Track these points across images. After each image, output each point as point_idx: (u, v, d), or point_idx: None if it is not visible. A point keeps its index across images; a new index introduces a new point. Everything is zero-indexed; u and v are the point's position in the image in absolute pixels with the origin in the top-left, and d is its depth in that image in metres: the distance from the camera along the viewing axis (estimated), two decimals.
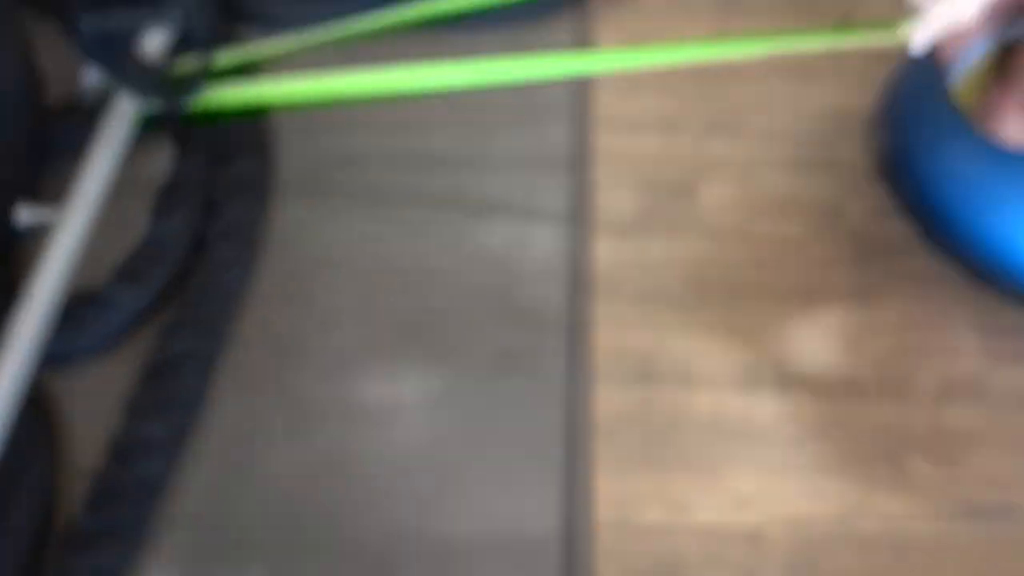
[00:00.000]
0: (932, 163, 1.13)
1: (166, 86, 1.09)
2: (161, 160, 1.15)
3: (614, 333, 1.06)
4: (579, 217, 1.15)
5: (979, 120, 1.05)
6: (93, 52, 1.00)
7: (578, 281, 1.09)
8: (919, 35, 0.91)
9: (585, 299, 1.07)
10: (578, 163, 1.20)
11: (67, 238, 0.96)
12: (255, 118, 1.18)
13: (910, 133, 1.16)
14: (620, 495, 0.93)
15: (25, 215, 0.99)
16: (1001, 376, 1.02)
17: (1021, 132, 1.01)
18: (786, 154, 1.22)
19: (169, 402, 0.94)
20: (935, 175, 1.12)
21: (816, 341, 1.05)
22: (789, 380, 1.02)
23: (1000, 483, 0.94)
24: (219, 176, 1.10)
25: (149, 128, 1.11)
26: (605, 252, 1.13)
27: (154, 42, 1.09)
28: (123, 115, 1.04)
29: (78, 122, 1.08)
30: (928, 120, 1.15)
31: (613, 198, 1.17)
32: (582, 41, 1.33)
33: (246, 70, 1.15)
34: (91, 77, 1.09)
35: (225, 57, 1.12)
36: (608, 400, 1.00)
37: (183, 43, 1.10)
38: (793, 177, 1.19)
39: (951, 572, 0.87)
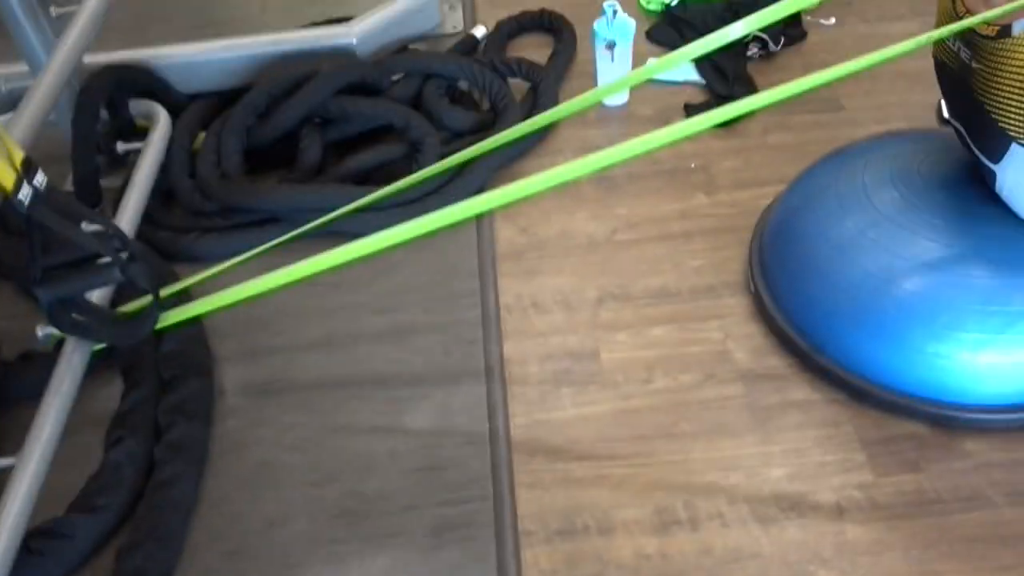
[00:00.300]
0: (799, 303, 1.28)
1: (116, 329, 1.22)
2: (111, 392, 1.27)
3: (535, 494, 1.15)
4: (495, 390, 1.27)
5: None
6: (52, 317, 1.13)
7: (497, 449, 1.19)
8: None
9: (506, 466, 1.17)
10: (489, 342, 1.33)
11: (26, 479, 1.05)
12: (195, 338, 1.31)
13: (779, 280, 1.32)
14: None
15: None
16: (888, 483, 1.12)
17: None
18: (674, 310, 1.36)
19: None
20: (803, 312, 1.27)
21: (721, 475, 1.15)
22: (700, 516, 1.11)
23: None
24: (164, 401, 1.22)
25: (98, 357, 1.23)
26: (521, 418, 1.24)
27: (102, 294, 1.24)
28: (74, 363, 1.16)
29: (33, 372, 1.20)
30: (792, 267, 1.31)
31: (524, 370, 1.30)
32: (487, 243, 1.50)
33: (181, 297, 1.30)
34: (44, 330, 1.22)
35: (163, 291, 1.26)
36: (536, 558, 1.08)
37: (128, 288, 1.25)
38: (682, 331, 1.33)
39: None
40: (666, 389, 1.26)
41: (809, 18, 1.94)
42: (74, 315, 1.14)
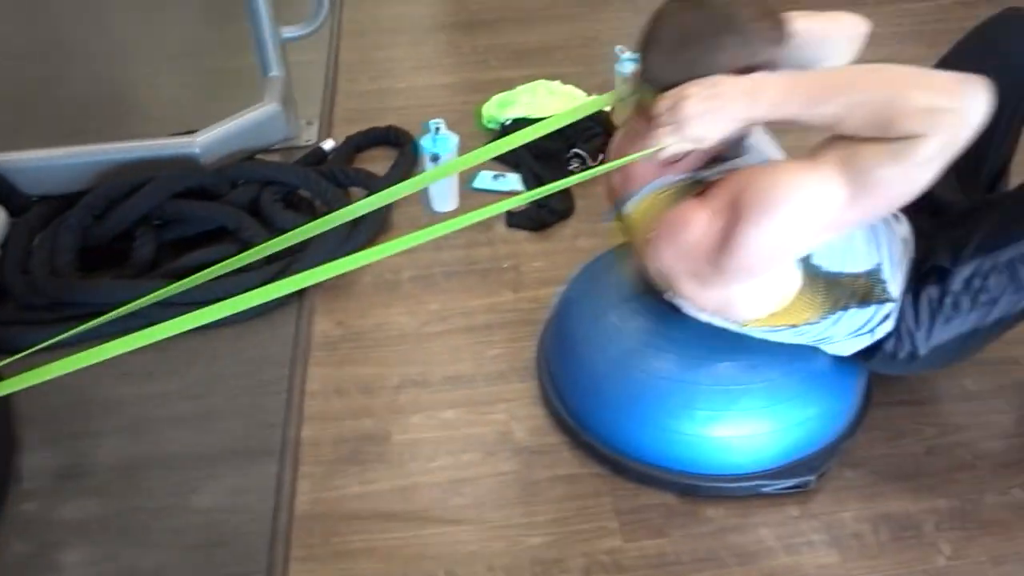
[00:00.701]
0: (569, 386, 1.40)
1: None
2: None
3: (308, 566, 1.21)
4: (285, 470, 1.34)
5: (638, 250, 1.25)
6: None
7: (278, 525, 1.25)
8: (672, 147, 1.09)
9: (283, 541, 1.24)
10: (289, 426, 1.41)
11: None
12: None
13: (556, 366, 1.44)
14: None
15: None
16: (634, 548, 1.22)
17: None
18: (467, 395, 1.47)
19: None
20: (572, 395, 1.39)
21: (484, 544, 1.23)
22: None
23: None
24: None
25: None
26: (306, 496, 1.31)
27: None
28: None
29: None
30: (563, 355, 1.43)
31: (317, 451, 1.38)
32: (302, 334, 1.61)
33: None
34: None
35: None
36: None
37: None
38: (471, 414, 1.44)
39: None
40: (447, 467, 1.35)
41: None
42: None
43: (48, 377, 1.26)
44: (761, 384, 1.25)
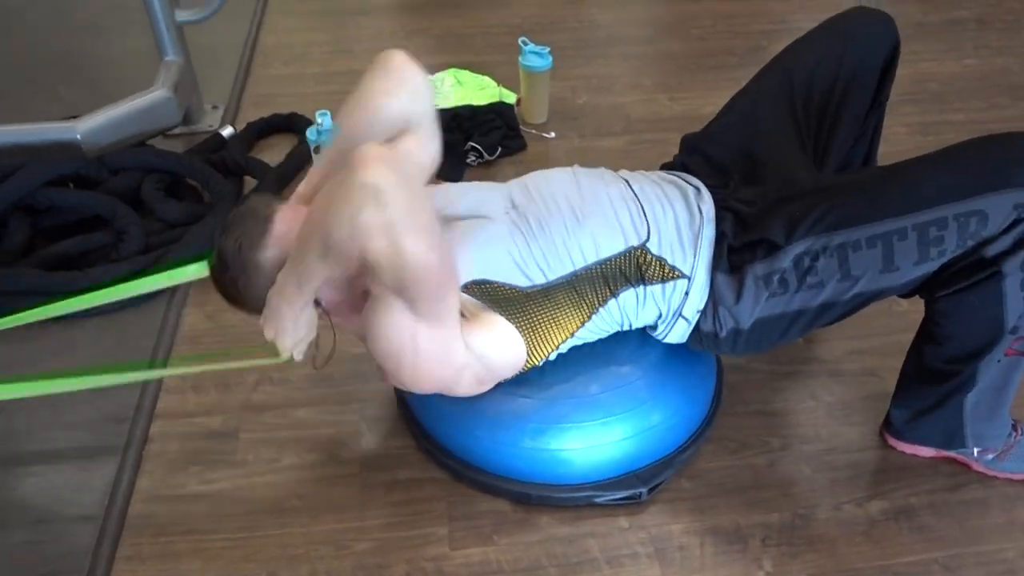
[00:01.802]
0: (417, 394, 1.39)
1: None
2: None
3: (132, 566, 1.21)
4: (126, 468, 1.33)
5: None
6: None
7: (108, 525, 1.25)
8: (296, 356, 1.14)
9: (110, 541, 1.23)
10: (138, 422, 1.40)
11: None
12: None
13: (416, 406, 1.41)
14: None
15: None
16: (460, 555, 1.22)
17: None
18: (324, 394, 1.47)
19: None
20: (419, 403, 1.37)
21: (311, 548, 1.23)
22: None
23: None
24: None
25: None
26: (143, 495, 1.30)
27: None
28: None
29: None
30: None
31: (163, 447, 1.37)
32: (169, 326, 1.59)
33: None
34: None
35: None
36: None
37: None
38: (323, 414, 1.43)
39: None
40: (290, 467, 1.35)
41: (533, 131, 2.14)
42: None
43: None
44: (592, 398, 1.25)
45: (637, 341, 1.29)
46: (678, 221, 1.21)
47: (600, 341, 1.26)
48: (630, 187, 1.25)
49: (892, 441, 1.34)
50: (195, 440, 1.39)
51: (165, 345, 1.55)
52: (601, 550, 1.23)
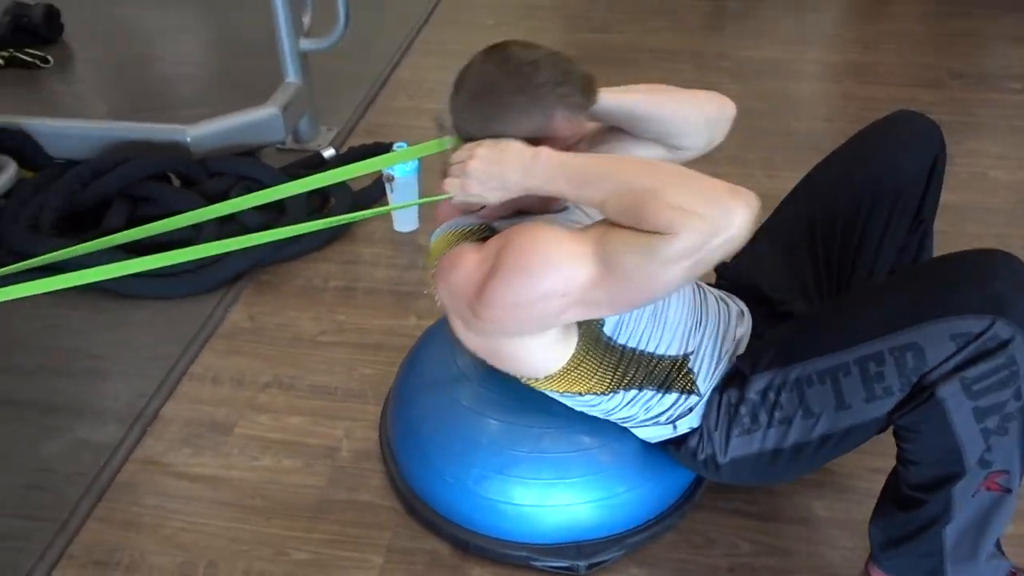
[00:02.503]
0: (397, 421, 1.40)
1: None
2: None
3: (100, 527, 1.32)
4: (130, 437, 1.46)
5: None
6: None
7: (95, 484, 1.37)
8: (457, 197, 1.08)
9: (90, 500, 1.35)
10: (155, 399, 1.53)
11: None
12: None
13: (394, 397, 1.46)
14: None
15: None
16: None
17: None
18: (320, 406, 1.53)
19: None
20: (397, 431, 1.38)
21: (254, 547, 1.29)
22: None
23: None
24: None
25: None
26: (135, 464, 1.42)
27: None
28: None
29: None
30: (399, 390, 1.43)
31: (166, 427, 1.49)
32: (212, 320, 1.73)
33: None
34: None
35: None
36: None
37: None
38: (313, 424, 1.49)
39: None
40: (264, 468, 1.42)
41: None
42: None
43: None
44: (545, 455, 1.22)
45: None
46: (717, 341, 1.18)
47: None
48: (697, 296, 1.22)
49: (871, 569, 1.21)
50: (195, 426, 1.50)
51: (203, 336, 1.68)
52: None
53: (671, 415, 1.17)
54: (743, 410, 1.12)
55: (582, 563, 1.23)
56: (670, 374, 1.14)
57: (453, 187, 1.08)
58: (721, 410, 1.15)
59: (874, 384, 1.02)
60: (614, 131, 1.20)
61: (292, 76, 2.22)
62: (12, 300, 1.35)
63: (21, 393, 1.56)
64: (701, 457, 1.17)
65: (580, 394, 1.16)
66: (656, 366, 1.13)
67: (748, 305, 1.27)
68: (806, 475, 1.34)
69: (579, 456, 1.23)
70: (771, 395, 1.10)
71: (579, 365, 1.11)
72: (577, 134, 1.09)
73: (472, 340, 1.14)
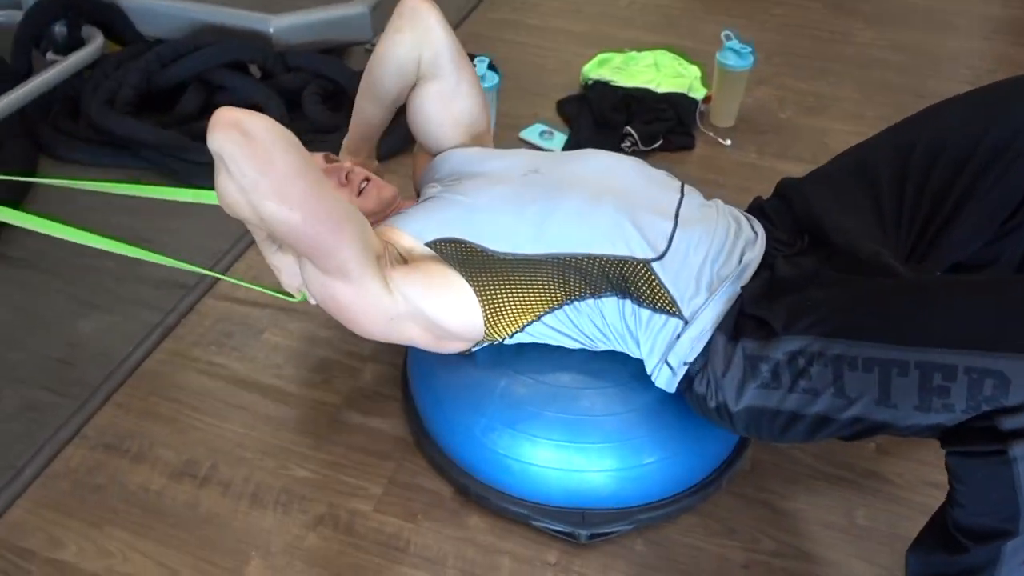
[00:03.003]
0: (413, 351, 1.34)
1: None
2: None
3: (117, 412, 1.32)
4: (164, 325, 1.45)
5: None
6: None
7: (120, 368, 1.38)
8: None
9: (111, 384, 1.36)
10: (195, 293, 1.52)
11: None
12: None
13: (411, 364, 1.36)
14: None
15: None
16: (378, 519, 1.19)
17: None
18: None
19: None
20: (413, 359, 1.32)
21: (258, 457, 1.27)
22: (213, 479, 1.23)
23: None
24: None
25: None
26: (164, 355, 1.41)
27: None
28: None
29: None
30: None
31: (204, 321, 1.47)
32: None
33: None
34: None
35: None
36: (71, 456, 1.26)
37: None
38: (343, 343, 1.45)
39: None
40: (286, 377, 1.39)
41: (710, 133, 1.95)
42: None
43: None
44: (558, 416, 1.13)
45: (634, 371, 1.15)
46: (708, 257, 1.06)
47: (596, 356, 1.15)
48: (679, 202, 1.11)
49: None
50: (227, 324, 1.48)
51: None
52: (507, 571, 1.13)
53: (660, 346, 1.06)
54: (764, 367, 0.98)
55: (584, 531, 1.14)
56: (623, 275, 1.04)
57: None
58: (735, 359, 1.01)
59: (934, 396, 0.86)
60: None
61: None
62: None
63: (68, 266, 1.57)
64: (712, 405, 1.04)
65: (539, 318, 1.09)
66: (590, 265, 1.05)
67: (802, 241, 1.13)
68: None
69: (595, 421, 1.14)
70: (801, 361, 0.95)
71: (502, 295, 1.08)
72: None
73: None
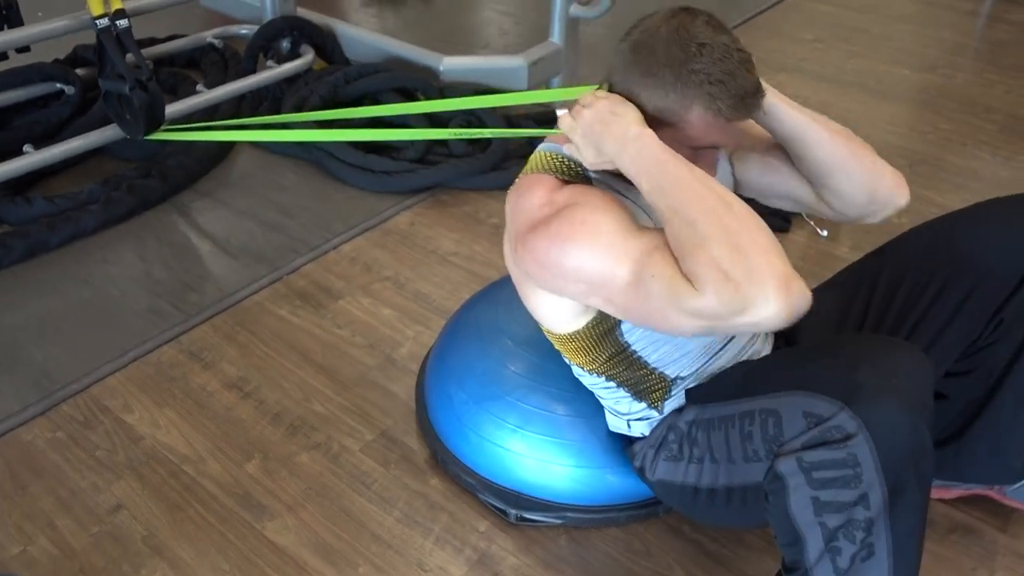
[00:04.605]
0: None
1: (128, 127, 2.01)
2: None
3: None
4: (265, 278, 1.78)
5: None
6: (105, 100, 1.97)
7: (224, 303, 1.72)
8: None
9: (205, 316, 1.70)
10: (309, 254, 1.84)
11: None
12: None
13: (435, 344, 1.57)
14: None
15: None
16: (359, 460, 1.40)
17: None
18: (409, 307, 1.72)
19: None
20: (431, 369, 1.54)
21: (324, 406, 1.53)
22: (301, 428, 1.52)
23: None
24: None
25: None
26: (256, 298, 1.74)
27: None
28: (106, 134, 1.99)
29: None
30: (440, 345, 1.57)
31: (301, 282, 1.79)
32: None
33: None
34: None
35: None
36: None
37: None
38: (406, 321, 1.69)
39: None
40: (340, 336, 1.65)
41: (811, 221, 2.00)
42: (121, 109, 1.95)
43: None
44: (517, 403, 1.29)
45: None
46: (712, 367, 1.15)
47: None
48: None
49: None
50: (315, 288, 1.77)
51: (367, 226, 1.95)
52: (441, 526, 1.29)
53: (630, 416, 1.18)
54: (671, 437, 1.11)
55: (513, 511, 1.28)
56: (650, 387, 1.15)
57: (564, 125, 1.05)
58: (659, 429, 1.14)
59: (746, 444, 0.96)
60: (775, 150, 1.16)
61: (555, 37, 2.39)
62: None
63: (224, 222, 1.97)
64: (636, 465, 1.18)
65: (567, 357, 1.21)
66: (644, 377, 1.14)
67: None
68: (751, 527, 1.26)
69: (546, 416, 1.28)
70: (694, 430, 1.07)
71: (580, 338, 1.13)
72: (718, 142, 1.01)
73: (510, 263, 1.17)
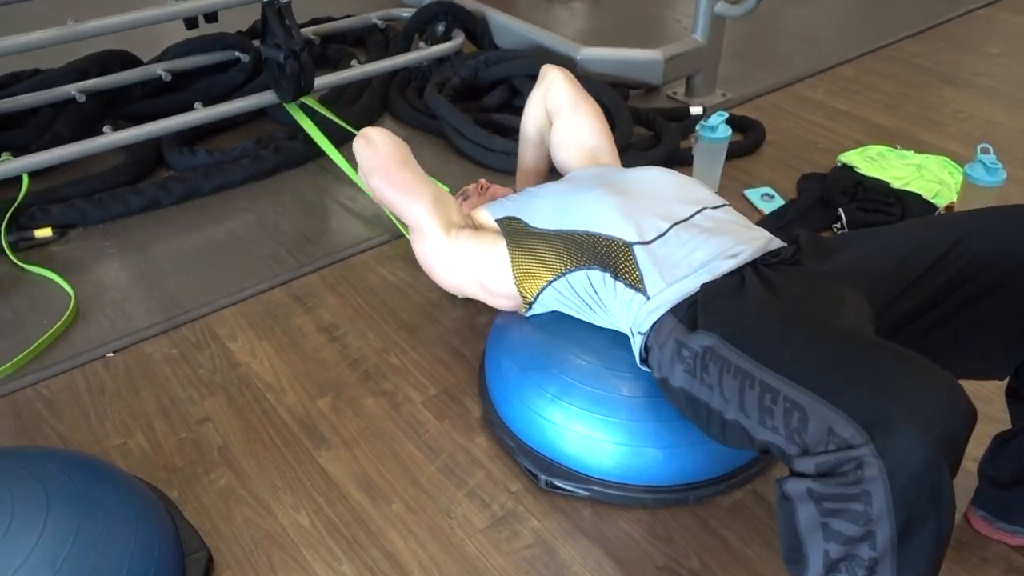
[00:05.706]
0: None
1: (279, 91, 2.21)
2: None
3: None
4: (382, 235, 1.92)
5: None
6: (266, 64, 2.18)
7: (317, 254, 1.87)
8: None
9: (318, 264, 1.85)
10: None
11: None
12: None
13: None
14: None
15: None
16: (424, 416, 1.49)
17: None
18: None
19: None
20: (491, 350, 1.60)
21: (392, 370, 1.65)
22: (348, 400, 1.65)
23: None
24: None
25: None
26: (366, 257, 1.87)
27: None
28: (265, 98, 2.20)
29: None
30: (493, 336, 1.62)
31: (398, 246, 1.91)
32: None
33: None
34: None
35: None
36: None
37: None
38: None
39: None
40: (430, 300, 1.75)
41: None
42: (277, 75, 2.17)
43: None
44: (557, 375, 1.33)
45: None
46: (695, 256, 1.21)
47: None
48: (694, 212, 1.30)
49: None
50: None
51: None
52: (476, 481, 1.36)
53: (628, 314, 1.23)
54: (686, 353, 1.10)
55: (544, 477, 1.33)
56: (611, 254, 1.25)
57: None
58: (670, 339, 1.14)
59: (765, 415, 0.94)
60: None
61: (698, 33, 2.37)
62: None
63: (347, 177, 2.13)
64: (658, 376, 1.18)
65: (550, 283, 1.33)
66: (589, 242, 1.28)
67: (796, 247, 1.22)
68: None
69: (583, 391, 1.31)
70: (706, 358, 1.06)
71: (527, 259, 1.35)
72: None
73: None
